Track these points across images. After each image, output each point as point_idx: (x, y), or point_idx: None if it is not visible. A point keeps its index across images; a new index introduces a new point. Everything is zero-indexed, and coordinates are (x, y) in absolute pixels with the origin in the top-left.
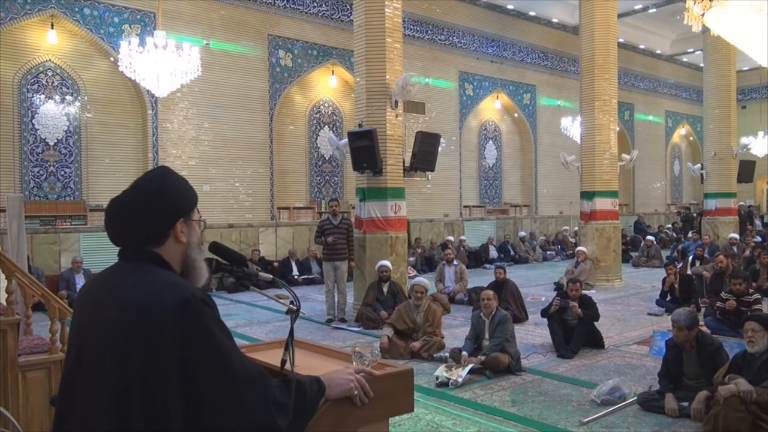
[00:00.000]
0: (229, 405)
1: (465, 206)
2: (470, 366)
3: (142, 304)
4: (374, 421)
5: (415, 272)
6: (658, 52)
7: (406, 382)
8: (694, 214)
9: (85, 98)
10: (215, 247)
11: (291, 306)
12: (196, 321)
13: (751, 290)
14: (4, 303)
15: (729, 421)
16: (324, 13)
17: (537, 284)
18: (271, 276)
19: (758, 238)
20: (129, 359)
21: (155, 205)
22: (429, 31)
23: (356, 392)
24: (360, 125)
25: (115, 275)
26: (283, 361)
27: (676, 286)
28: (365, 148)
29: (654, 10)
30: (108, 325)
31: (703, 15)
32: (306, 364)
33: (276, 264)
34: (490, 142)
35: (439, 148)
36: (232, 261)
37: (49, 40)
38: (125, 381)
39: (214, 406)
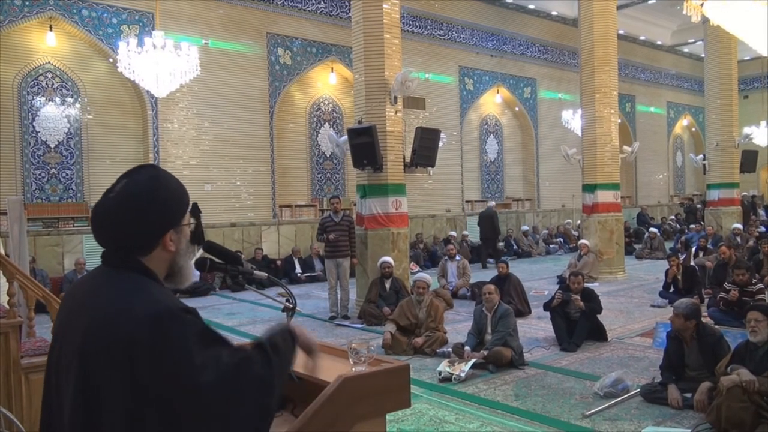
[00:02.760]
0: (211, 420)
1: (467, 201)
2: (473, 361)
3: (112, 314)
4: (371, 417)
5: (417, 268)
6: (659, 43)
7: (402, 378)
8: (698, 205)
9: (85, 100)
10: (210, 247)
11: (287, 304)
12: (165, 338)
13: (754, 281)
14: (7, 305)
15: (732, 411)
16: (322, 11)
17: (540, 278)
18: (266, 274)
19: (762, 228)
20: (94, 374)
21: (145, 214)
22: (428, 27)
23: (316, 355)
24: (360, 122)
25: (95, 281)
26: None
27: (680, 277)
28: (365, 145)
29: (654, 0)
30: (79, 336)
31: (702, 5)
32: (304, 362)
33: (279, 262)
34: (491, 136)
35: (440, 144)
36: (226, 260)
37: (48, 42)
38: (88, 391)
39: (192, 425)
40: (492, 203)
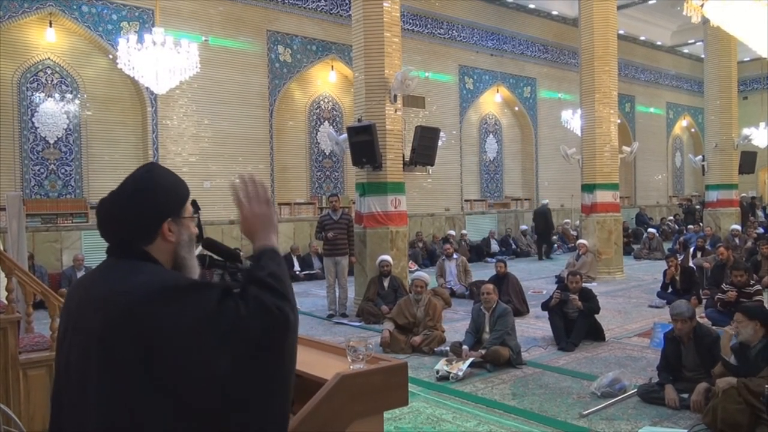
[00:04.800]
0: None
1: (466, 200)
2: (471, 360)
3: (122, 297)
4: (368, 414)
5: (416, 266)
6: (659, 43)
7: (399, 376)
8: (696, 206)
9: (85, 96)
10: (209, 243)
11: None
12: (174, 307)
13: (752, 282)
14: (5, 301)
15: (727, 413)
16: (323, 8)
17: (538, 277)
18: None
19: (760, 230)
20: (109, 355)
21: (141, 205)
22: (428, 25)
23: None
24: (359, 120)
25: (102, 272)
26: None
27: (678, 278)
28: (364, 143)
29: (654, 1)
30: (91, 322)
31: (702, 6)
32: (302, 359)
33: None
34: (491, 135)
35: (440, 143)
36: (225, 257)
37: (48, 38)
38: (107, 378)
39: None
40: (546, 201)
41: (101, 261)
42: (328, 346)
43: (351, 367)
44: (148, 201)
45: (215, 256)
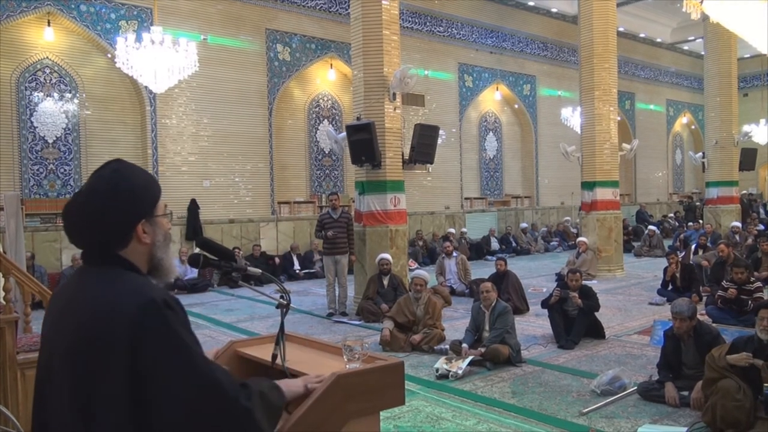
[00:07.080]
0: (195, 403)
1: (466, 198)
2: (470, 358)
3: (100, 311)
4: (364, 414)
5: (416, 265)
6: (659, 40)
7: (395, 375)
8: (697, 203)
9: (84, 95)
10: (203, 243)
11: (281, 300)
12: (155, 326)
13: (752, 279)
14: (2, 301)
15: (726, 411)
16: (321, 6)
17: (539, 275)
18: (260, 271)
19: (761, 227)
20: (87, 369)
21: (113, 206)
22: (427, 23)
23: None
24: (358, 118)
25: (80, 280)
26: (274, 356)
27: (678, 275)
28: (363, 142)
29: None
30: (68, 333)
31: (701, 2)
32: (298, 359)
33: (278, 259)
34: (491, 133)
35: (439, 141)
36: (220, 256)
37: (46, 38)
38: (85, 391)
39: (178, 410)
40: None
41: (78, 267)
42: (324, 345)
43: (347, 366)
44: (120, 202)
45: (210, 256)
